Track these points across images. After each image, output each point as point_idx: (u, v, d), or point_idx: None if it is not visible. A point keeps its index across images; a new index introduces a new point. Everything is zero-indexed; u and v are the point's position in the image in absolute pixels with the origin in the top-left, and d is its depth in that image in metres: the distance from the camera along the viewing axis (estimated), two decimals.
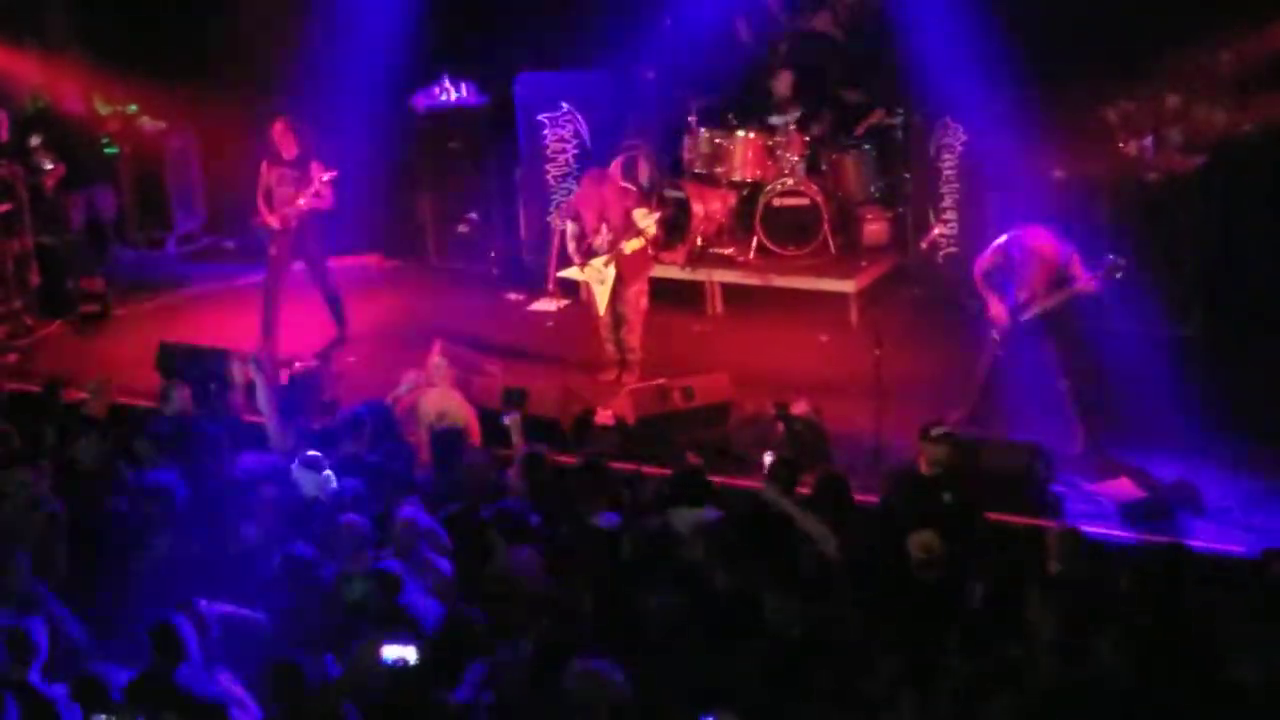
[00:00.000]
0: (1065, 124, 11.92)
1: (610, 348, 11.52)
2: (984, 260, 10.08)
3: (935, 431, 8.45)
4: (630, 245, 11.25)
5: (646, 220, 11.31)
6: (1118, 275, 9.71)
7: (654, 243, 11.71)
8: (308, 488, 8.46)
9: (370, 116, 14.09)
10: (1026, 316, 9.89)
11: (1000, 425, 9.94)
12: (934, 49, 11.93)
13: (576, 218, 11.49)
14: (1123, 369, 10.47)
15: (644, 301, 11.47)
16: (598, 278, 11.34)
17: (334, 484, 8.40)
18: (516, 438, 9.59)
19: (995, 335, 10.03)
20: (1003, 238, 10.05)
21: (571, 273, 11.71)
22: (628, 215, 11.31)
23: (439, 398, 9.96)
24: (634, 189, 12.39)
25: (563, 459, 9.21)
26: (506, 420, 9.68)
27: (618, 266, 11.26)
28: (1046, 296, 9.81)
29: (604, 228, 11.30)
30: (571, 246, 11.47)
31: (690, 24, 13.38)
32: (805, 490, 8.35)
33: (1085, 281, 9.73)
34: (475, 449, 9.40)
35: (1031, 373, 10.03)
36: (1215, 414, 9.91)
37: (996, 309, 9.99)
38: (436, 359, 10.28)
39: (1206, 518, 9.10)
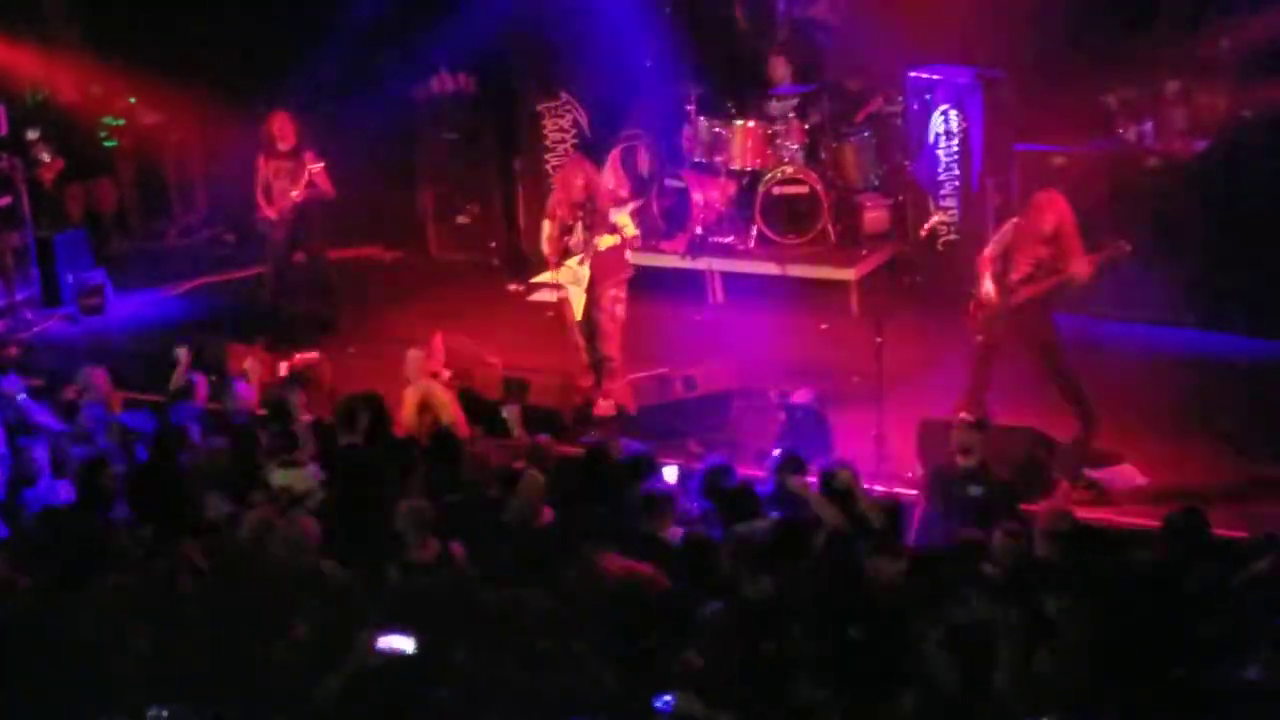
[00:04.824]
0: (1065, 109, 11.88)
1: (584, 355, 10.94)
2: (1001, 237, 9.77)
3: (967, 421, 8.52)
4: (605, 241, 10.77)
5: (623, 217, 11.03)
6: (1117, 260, 9.58)
7: (632, 243, 11.23)
8: None
9: (369, 108, 14.06)
10: (1017, 300, 9.58)
11: (996, 412, 9.85)
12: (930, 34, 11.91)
13: (552, 216, 10.96)
14: (1120, 356, 10.45)
15: (619, 309, 10.84)
16: (572, 278, 10.82)
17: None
18: (516, 429, 9.58)
19: (978, 318, 9.74)
20: (1014, 220, 9.81)
21: (546, 276, 11.28)
22: (603, 208, 10.90)
23: (421, 391, 9.80)
24: (611, 184, 12.23)
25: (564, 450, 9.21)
26: (505, 412, 9.66)
27: (591, 266, 10.77)
28: (1040, 281, 9.51)
29: (579, 226, 10.77)
30: (546, 249, 10.98)
31: (689, 12, 13.35)
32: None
33: (1079, 268, 9.40)
34: (480, 439, 9.38)
35: (1025, 358, 9.95)
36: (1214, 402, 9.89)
37: (988, 289, 9.66)
38: (411, 352, 10.06)
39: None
